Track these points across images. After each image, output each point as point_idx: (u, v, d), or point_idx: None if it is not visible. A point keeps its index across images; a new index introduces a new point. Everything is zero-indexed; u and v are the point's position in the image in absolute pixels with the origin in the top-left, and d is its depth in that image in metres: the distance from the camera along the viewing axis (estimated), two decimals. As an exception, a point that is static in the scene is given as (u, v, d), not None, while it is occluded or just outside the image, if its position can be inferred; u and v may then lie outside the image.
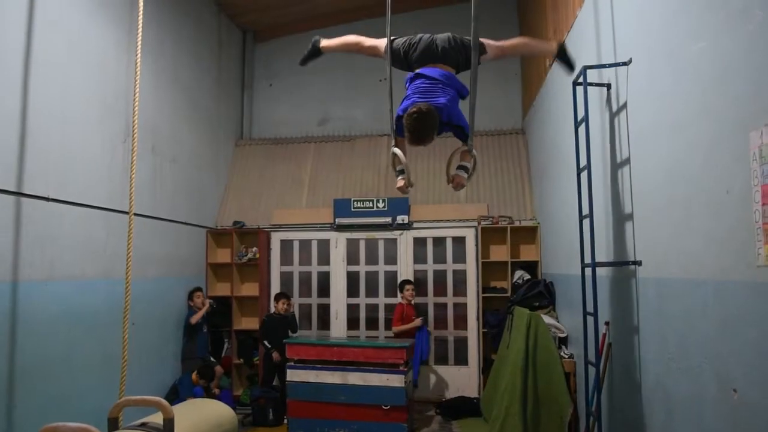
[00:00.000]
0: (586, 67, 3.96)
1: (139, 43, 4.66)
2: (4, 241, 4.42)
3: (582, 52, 4.77)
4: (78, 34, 5.37)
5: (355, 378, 6.07)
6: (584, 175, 4.05)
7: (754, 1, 2.23)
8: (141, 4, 4.69)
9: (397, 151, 3.65)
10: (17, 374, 4.46)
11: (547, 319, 5.88)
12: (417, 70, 3.67)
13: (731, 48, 2.41)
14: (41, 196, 4.78)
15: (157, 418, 3.12)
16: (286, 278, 8.41)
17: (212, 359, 7.32)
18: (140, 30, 4.66)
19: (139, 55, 4.66)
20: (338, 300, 8.26)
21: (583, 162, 4.07)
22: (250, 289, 8.19)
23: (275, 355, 6.95)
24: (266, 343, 7.08)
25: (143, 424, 3.15)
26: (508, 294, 7.42)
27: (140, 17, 4.68)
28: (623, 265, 3.79)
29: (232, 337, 8.03)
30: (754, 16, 2.23)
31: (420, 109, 3.36)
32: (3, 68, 4.48)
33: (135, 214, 4.66)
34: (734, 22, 2.38)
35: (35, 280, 4.70)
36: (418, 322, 7.09)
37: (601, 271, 4.14)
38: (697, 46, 2.70)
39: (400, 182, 3.76)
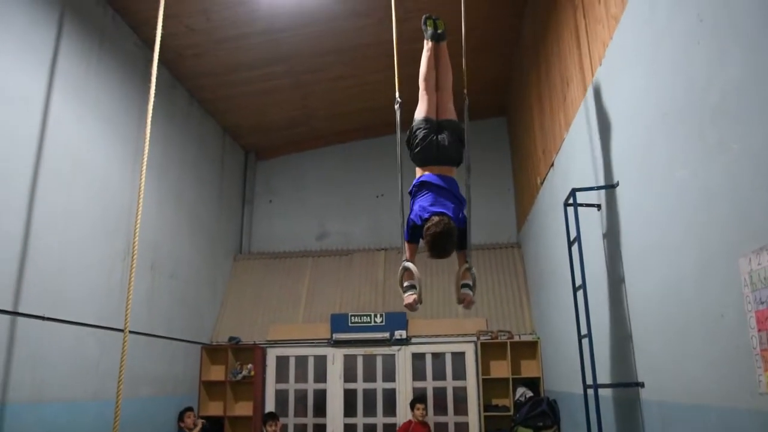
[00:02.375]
0: (575, 190, 4.07)
1: (145, 162, 4.79)
2: (-4, 362, 4.35)
3: (571, 174, 4.94)
4: (85, 153, 5.56)
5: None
6: (580, 293, 4.03)
7: (729, 135, 2.36)
8: (149, 125, 4.86)
9: (410, 265, 3.64)
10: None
11: (552, 441, 5.65)
12: (422, 177, 3.79)
13: (712, 177, 2.50)
14: (36, 315, 4.75)
15: None
16: (281, 396, 8.13)
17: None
18: (146, 150, 4.81)
19: (143, 175, 4.78)
20: (335, 420, 7.94)
21: (578, 281, 4.06)
22: (243, 409, 7.90)
23: None
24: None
25: None
26: (511, 413, 7.17)
27: (147, 138, 4.83)
28: (626, 387, 3.71)
29: (223, 460, 7.65)
30: (729, 149, 2.34)
31: (438, 229, 3.44)
32: (11, 190, 4.62)
33: (130, 332, 4.59)
34: (713, 154, 2.49)
35: (24, 402, 4.56)
36: None
37: (605, 391, 4.04)
38: (679, 173, 2.82)
39: (409, 298, 3.67)
